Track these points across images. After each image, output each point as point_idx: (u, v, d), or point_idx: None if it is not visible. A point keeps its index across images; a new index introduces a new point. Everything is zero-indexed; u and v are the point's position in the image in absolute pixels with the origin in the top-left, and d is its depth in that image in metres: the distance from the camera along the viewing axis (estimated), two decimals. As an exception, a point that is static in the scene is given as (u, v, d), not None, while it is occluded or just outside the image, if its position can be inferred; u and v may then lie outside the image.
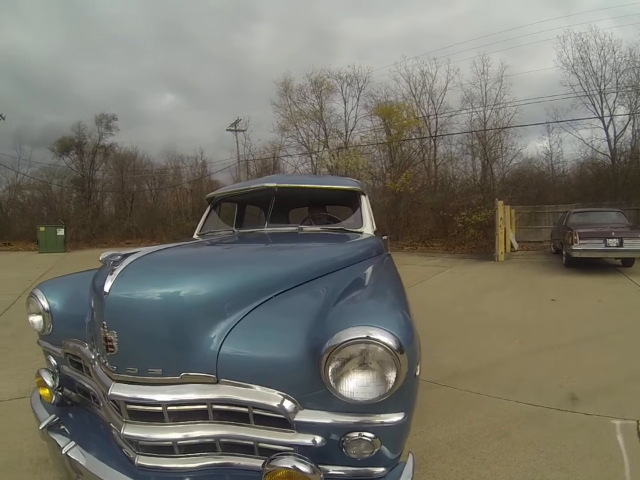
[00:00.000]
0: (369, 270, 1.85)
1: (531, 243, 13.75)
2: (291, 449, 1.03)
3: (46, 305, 1.54)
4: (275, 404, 1.00)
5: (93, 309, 1.17)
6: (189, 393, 1.05)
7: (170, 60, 48.79)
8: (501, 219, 10.44)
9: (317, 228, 2.73)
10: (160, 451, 1.11)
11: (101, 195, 27.96)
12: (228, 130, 25.85)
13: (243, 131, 25.42)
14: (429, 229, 16.15)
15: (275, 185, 2.71)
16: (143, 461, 1.10)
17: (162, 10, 49.91)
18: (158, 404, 1.05)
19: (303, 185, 2.92)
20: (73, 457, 1.16)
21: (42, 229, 19.39)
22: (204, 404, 1.06)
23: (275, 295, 1.29)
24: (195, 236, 2.95)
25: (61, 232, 19.54)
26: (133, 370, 1.08)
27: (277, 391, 1.01)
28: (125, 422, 1.09)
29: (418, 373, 1.10)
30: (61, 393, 1.47)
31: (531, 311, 4.86)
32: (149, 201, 27.87)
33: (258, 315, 1.17)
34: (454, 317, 4.62)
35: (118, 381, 1.09)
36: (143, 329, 1.08)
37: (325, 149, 21.07)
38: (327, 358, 0.94)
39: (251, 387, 1.02)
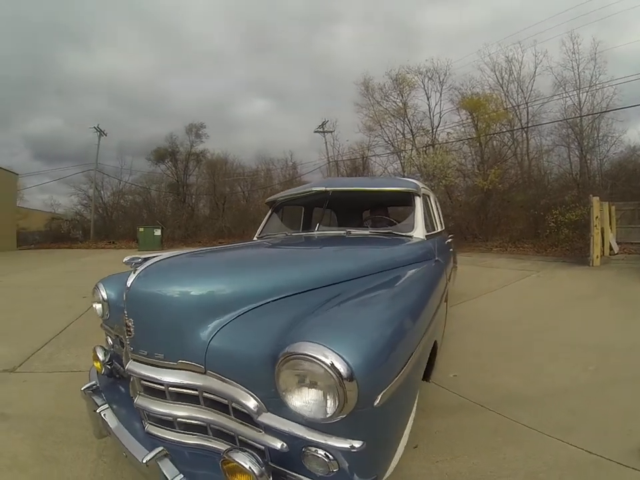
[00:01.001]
0: (390, 280, 1.81)
1: (635, 244, 12.56)
2: (261, 447, 1.16)
3: (105, 295, 1.88)
4: (242, 400, 1.14)
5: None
6: (183, 378, 1.27)
7: (258, 68, 57.21)
8: (597, 217, 9.93)
9: (366, 232, 2.85)
10: (164, 424, 1.36)
11: (195, 198, 33.14)
12: (316, 132, 29.24)
13: (331, 132, 28.39)
14: (519, 229, 15.97)
15: (323, 188, 3.01)
16: (151, 429, 1.38)
17: (246, 23, 58.65)
18: (161, 383, 1.30)
19: (352, 188, 3.17)
20: (104, 417, 1.48)
21: (141, 229, 23.99)
22: (195, 390, 1.26)
23: (274, 300, 1.43)
24: (255, 238, 3.31)
25: (157, 232, 23.90)
26: (143, 352, 1.36)
27: (246, 389, 1.15)
28: (138, 394, 1.39)
29: (378, 403, 1.06)
30: (110, 367, 1.82)
31: (621, 330, 4.20)
32: (241, 202, 31.95)
33: (250, 317, 1.33)
34: (527, 330, 4.26)
35: (134, 360, 1.39)
36: (151, 319, 1.36)
37: (412, 147, 22.08)
38: (278, 366, 1.03)
39: (229, 381, 1.18)
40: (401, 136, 23.42)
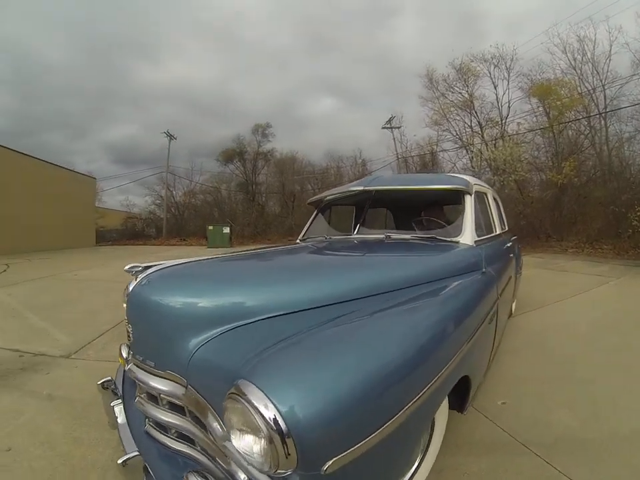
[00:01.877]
0: (411, 300, 1.59)
1: None
2: (228, 476, 1.12)
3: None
4: (210, 422, 1.14)
5: None
6: (170, 388, 1.31)
7: (323, 67, 61.62)
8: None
9: (407, 236, 2.67)
10: (161, 427, 1.43)
11: (265, 197, 36.27)
12: (383, 128, 30.63)
13: (398, 127, 29.64)
14: (597, 228, 15.05)
15: (361, 188, 2.96)
16: (149, 430, 1.46)
17: (307, 23, 62.60)
18: (153, 389, 1.36)
19: (391, 187, 3.01)
20: (115, 411, 1.59)
21: (210, 227, 26.73)
22: (181, 401, 1.29)
23: (267, 318, 1.33)
24: (297, 240, 3.32)
25: (226, 230, 26.48)
26: (139, 357, 1.46)
27: (214, 412, 1.13)
28: (139, 395, 1.48)
29: (328, 471, 0.90)
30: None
31: None
32: (312, 200, 34.56)
33: (232, 336, 1.26)
34: (599, 351, 3.71)
35: (134, 363, 1.50)
36: (145, 326, 1.46)
37: (480, 141, 21.87)
38: (225, 400, 0.96)
39: (201, 400, 1.17)
40: (469, 129, 23.57)
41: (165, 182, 37.01)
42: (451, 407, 1.86)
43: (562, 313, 5.40)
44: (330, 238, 3.12)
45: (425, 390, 1.23)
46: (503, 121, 21.91)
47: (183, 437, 1.36)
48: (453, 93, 23.79)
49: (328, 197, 3.46)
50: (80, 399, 2.77)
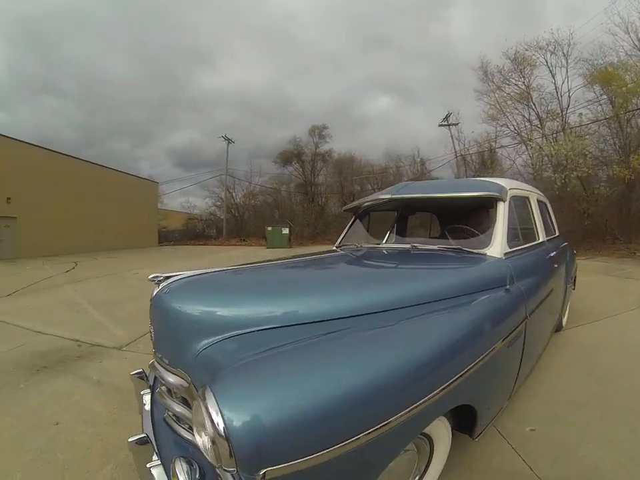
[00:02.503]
0: (412, 319, 1.56)
1: None
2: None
3: None
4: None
5: None
6: (180, 384, 1.46)
7: (378, 65, 62.26)
8: None
9: (434, 246, 2.65)
10: (177, 417, 1.58)
11: (325, 197, 37.11)
12: (440, 125, 30.18)
13: (455, 124, 29.00)
14: None
15: (389, 196, 3.00)
16: (167, 419, 1.62)
17: (360, 22, 63.22)
18: (167, 383, 1.52)
19: (416, 195, 2.97)
20: (143, 399, 1.82)
21: (269, 228, 27.51)
22: (186, 395, 1.44)
23: (261, 330, 1.40)
24: (334, 247, 3.38)
25: (285, 231, 27.12)
26: (159, 355, 1.65)
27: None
28: (159, 387, 1.68)
29: (263, 476, 0.95)
30: None
31: None
32: (373, 200, 35.11)
33: (227, 344, 1.37)
34: None
35: (155, 359, 1.69)
36: (162, 329, 1.66)
37: (541, 135, 20.46)
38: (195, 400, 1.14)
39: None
40: (528, 123, 22.09)
41: (225, 184, 39.05)
42: (460, 430, 1.85)
43: (621, 327, 4.74)
44: (361, 246, 3.13)
45: (394, 418, 1.20)
46: (564, 112, 20.37)
47: (192, 428, 1.38)
48: (509, 85, 22.58)
49: (362, 205, 3.46)
50: (124, 387, 2.98)
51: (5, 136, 18.93)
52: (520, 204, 3.01)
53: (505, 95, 22.39)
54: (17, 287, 9.14)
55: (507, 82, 22.26)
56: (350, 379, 1.17)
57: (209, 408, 1.01)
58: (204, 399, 1.04)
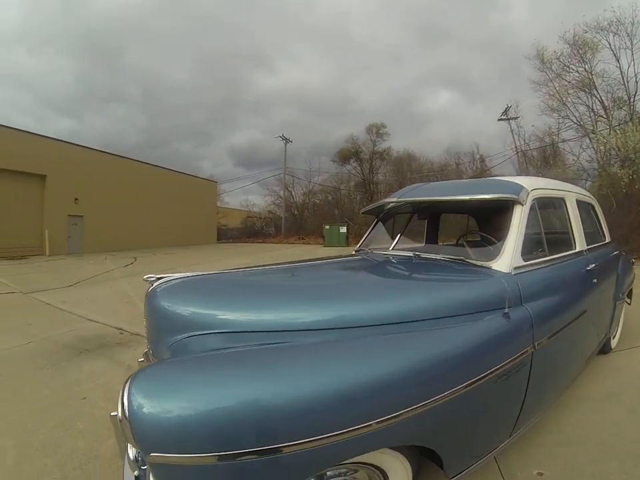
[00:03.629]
0: (365, 336, 1.50)
1: None
2: None
3: None
4: None
5: None
6: None
7: (436, 59, 61.73)
8: None
9: (437, 256, 2.52)
10: None
11: (385, 196, 36.68)
12: (500, 120, 28.86)
13: (515, 118, 27.48)
14: None
15: (396, 199, 3.01)
16: None
17: (415, 16, 62.30)
18: None
19: (423, 198, 2.88)
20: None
21: (327, 227, 27.89)
22: None
23: (219, 332, 1.52)
24: (353, 251, 3.34)
25: (343, 229, 27.35)
26: (148, 345, 1.85)
27: None
28: None
29: (151, 460, 1.07)
30: None
31: None
32: (436, 198, 35.08)
33: (189, 341, 1.53)
34: None
35: (147, 351, 1.88)
36: (149, 323, 1.89)
37: (606, 126, 18.72)
38: None
39: None
40: (592, 113, 20.03)
41: (283, 183, 40.33)
42: (438, 464, 1.64)
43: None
44: (370, 251, 3.09)
45: (293, 444, 1.13)
46: (631, 100, 18.51)
47: None
48: (569, 72, 20.68)
49: (375, 207, 3.41)
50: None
51: (72, 143, 21.62)
52: (550, 206, 2.81)
53: (566, 83, 20.61)
54: (79, 279, 10.28)
55: (567, 69, 20.54)
56: (261, 391, 1.16)
57: (122, 391, 1.16)
58: (124, 386, 1.18)
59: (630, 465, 2.02)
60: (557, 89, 20.85)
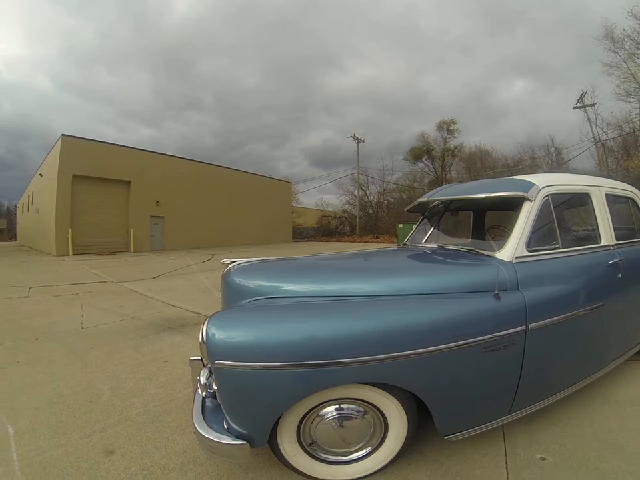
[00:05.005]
0: (383, 302, 2.01)
1: None
2: None
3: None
4: None
5: None
6: None
7: (508, 45, 59.62)
8: None
9: (457, 247, 2.98)
10: None
11: None
12: (575, 108, 26.63)
13: (592, 105, 25.21)
14: None
15: (426, 199, 3.57)
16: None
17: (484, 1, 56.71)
18: None
19: (446, 197, 3.41)
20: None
21: (400, 225, 27.63)
22: None
23: (274, 297, 2.10)
24: (401, 244, 3.89)
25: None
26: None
27: None
28: None
29: (216, 365, 1.70)
30: None
31: None
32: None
33: (253, 304, 2.09)
34: None
35: None
36: (224, 294, 2.49)
37: None
38: None
39: None
40: None
41: (357, 182, 40.99)
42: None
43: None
44: (411, 245, 3.65)
45: (312, 362, 1.68)
46: None
47: None
48: None
49: (412, 206, 3.93)
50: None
51: (153, 151, 24.25)
52: (572, 201, 3.00)
53: None
54: (161, 272, 11.52)
55: None
56: (296, 331, 1.73)
57: (202, 324, 1.77)
58: (204, 321, 1.79)
59: (637, 467, 2.08)
60: (632, 70, 19.62)
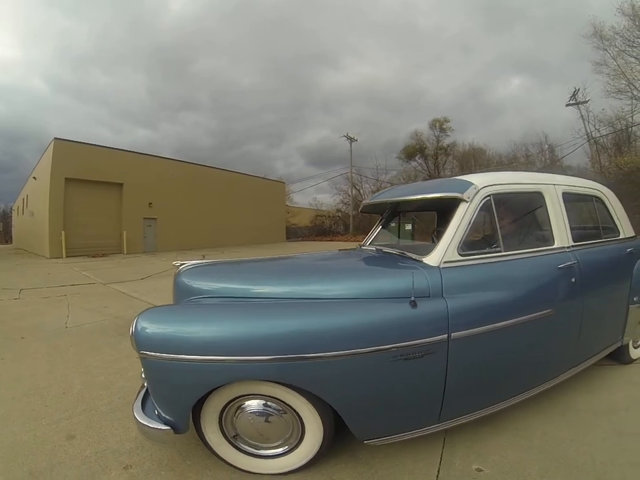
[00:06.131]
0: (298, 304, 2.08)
1: None
2: None
3: None
4: None
5: None
6: None
7: (507, 43, 59.37)
8: None
9: (393, 250, 2.89)
10: None
11: None
12: (568, 105, 26.55)
13: (584, 102, 25.21)
14: None
15: (368, 201, 3.65)
16: None
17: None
18: None
19: (384, 200, 3.40)
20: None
21: (392, 224, 28.09)
22: None
23: (206, 297, 2.27)
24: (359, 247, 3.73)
25: (408, 227, 27.40)
26: None
27: None
28: None
29: (142, 354, 1.90)
30: None
31: None
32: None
33: (190, 302, 2.30)
34: None
35: None
36: (174, 292, 2.59)
37: None
38: None
39: None
40: None
41: (350, 181, 41.34)
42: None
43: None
44: (359, 248, 3.63)
45: (217, 358, 1.83)
46: None
47: None
48: (634, 47, 19.17)
49: (364, 207, 3.96)
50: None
51: (145, 154, 24.48)
52: (519, 201, 2.91)
53: (633, 59, 19.21)
54: (150, 273, 11.77)
55: (632, 44, 18.99)
56: (204, 328, 1.90)
57: (134, 319, 1.96)
58: (136, 316, 1.99)
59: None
60: (620, 67, 19.65)
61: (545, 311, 2.44)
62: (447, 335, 2.01)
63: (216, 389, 1.93)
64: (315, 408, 1.96)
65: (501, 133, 58.96)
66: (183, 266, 2.73)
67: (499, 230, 2.48)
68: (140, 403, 2.16)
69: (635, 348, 3.60)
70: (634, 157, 17.26)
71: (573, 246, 2.84)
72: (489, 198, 2.47)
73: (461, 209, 2.39)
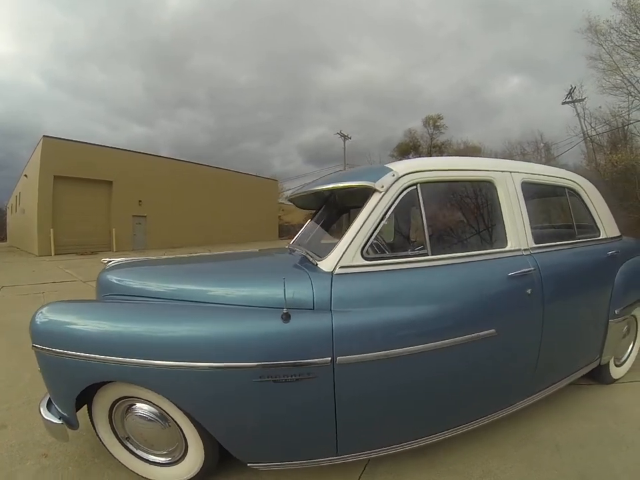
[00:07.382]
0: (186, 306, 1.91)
1: None
2: None
3: None
4: None
5: None
6: None
7: (503, 40, 59.29)
8: None
9: (301, 250, 2.50)
10: None
11: None
12: (564, 103, 26.21)
13: (581, 100, 24.89)
14: None
15: (294, 195, 3.06)
16: None
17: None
18: None
19: (304, 191, 2.79)
20: None
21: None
22: None
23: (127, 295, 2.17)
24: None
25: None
26: None
27: None
28: None
29: (36, 346, 1.89)
30: None
31: None
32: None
33: (107, 299, 2.24)
34: None
35: None
36: (97, 290, 2.44)
37: None
38: None
39: None
40: None
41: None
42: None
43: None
44: (287, 247, 3.13)
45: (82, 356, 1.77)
46: None
47: None
48: (630, 42, 18.67)
49: (293, 200, 3.37)
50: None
51: (135, 151, 24.57)
52: (459, 192, 2.43)
53: (628, 55, 18.82)
54: (133, 270, 11.68)
55: (628, 39, 18.60)
56: (85, 326, 1.85)
57: (35, 312, 1.94)
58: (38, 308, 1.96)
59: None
60: (616, 62, 19.27)
61: (484, 332, 1.97)
62: (330, 358, 1.66)
63: (101, 386, 1.90)
64: (192, 421, 1.79)
65: (497, 132, 58.92)
66: (110, 263, 2.70)
67: (425, 228, 2.00)
68: (49, 399, 2.16)
69: (618, 366, 3.10)
70: (628, 154, 17.17)
71: (533, 248, 2.31)
72: (414, 188, 2.01)
73: (372, 202, 1.95)
